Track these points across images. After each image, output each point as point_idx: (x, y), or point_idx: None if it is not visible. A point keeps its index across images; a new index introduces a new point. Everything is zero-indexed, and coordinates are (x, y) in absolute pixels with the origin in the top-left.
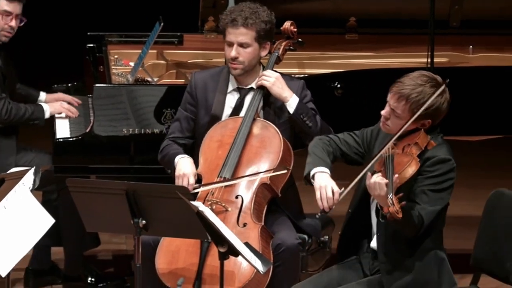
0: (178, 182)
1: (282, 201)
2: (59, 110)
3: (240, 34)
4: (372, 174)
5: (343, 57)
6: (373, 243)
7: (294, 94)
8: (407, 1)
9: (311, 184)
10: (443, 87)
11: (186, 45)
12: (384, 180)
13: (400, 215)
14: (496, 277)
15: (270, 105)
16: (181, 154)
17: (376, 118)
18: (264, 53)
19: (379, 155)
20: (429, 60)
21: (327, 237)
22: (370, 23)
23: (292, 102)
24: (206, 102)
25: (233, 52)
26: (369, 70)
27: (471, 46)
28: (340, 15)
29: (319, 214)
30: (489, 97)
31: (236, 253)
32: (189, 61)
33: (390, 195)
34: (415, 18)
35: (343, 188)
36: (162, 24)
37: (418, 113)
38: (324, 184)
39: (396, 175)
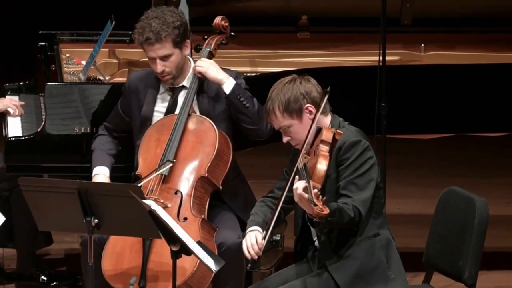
0: None
1: (227, 195)
2: (8, 106)
3: (157, 49)
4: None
5: (295, 56)
6: (316, 242)
7: (231, 77)
8: None
9: None
10: (290, 77)
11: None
12: (302, 186)
13: (325, 211)
14: (448, 275)
15: (204, 97)
16: (100, 166)
17: None
18: (187, 51)
19: (293, 172)
20: (381, 58)
21: (279, 235)
22: (322, 21)
23: (228, 84)
24: (138, 103)
25: (158, 67)
26: (321, 68)
27: (422, 44)
28: (291, 13)
29: (249, 266)
30: (441, 95)
31: (188, 251)
32: (140, 60)
33: (311, 198)
34: (367, 16)
35: (264, 232)
36: (113, 22)
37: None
38: (247, 236)
39: (311, 181)
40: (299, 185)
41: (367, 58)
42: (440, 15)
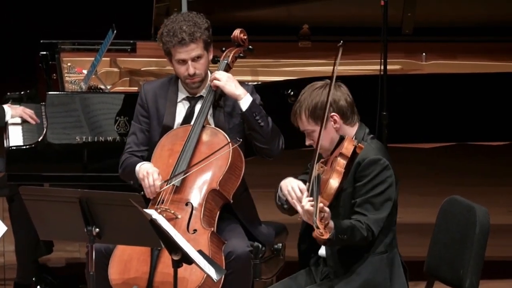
0: (145, 182)
1: (235, 207)
2: (20, 115)
3: (191, 50)
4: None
5: (297, 65)
6: (321, 251)
7: (248, 93)
8: (360, 8)
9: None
10: (322, 82)
11: (139, 52)
12: (309, 203)
13: (325, 236)
14: (449, 284)
15: (220, 111)
16: (141, 162)
17: None
18: (210, 56)
19: (310, 181)
20: (382, 68)
21: (280, 244)
22: (323, 30)
23: (245, 100)
24: (158, 112)
25: (191, 69)
26: (323, 77)
27: (424, 53)
28: (293, 23)
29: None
30: (442, 104)
31: (189, 261)
32: (142, 69)
33: (314, 219)
34: (368, 25)
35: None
36: (115, 31)
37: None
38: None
39: (320, 197)
40: (306, 202)
41: (368, 67)
42: (442, 24)
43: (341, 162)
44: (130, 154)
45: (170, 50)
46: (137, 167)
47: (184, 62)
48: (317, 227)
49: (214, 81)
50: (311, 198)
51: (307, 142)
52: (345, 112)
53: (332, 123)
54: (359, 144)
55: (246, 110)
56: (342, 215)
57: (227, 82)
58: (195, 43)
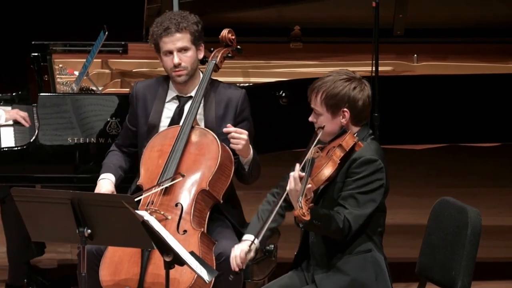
0: None
1: (226, 208)
2: (15, 118)
3: (177, 40)
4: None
5: (288, 66)
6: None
7: (251, 149)
8: (351, 9)
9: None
10: (351, 75)
11: (131, 54)
12: (298, 172)
13: (306, 217)
14: (441, 285)
15: (212, 114)
16: (106, 173)
17: None
18: (200, 55)
19: (302, 163)
20: (373, 69)
21: (272, 245)
22: (314, 31)
23: (248, 159)
24: (146, 111)
25: (175, 59)
26: (314, 78)
27: (415, 55)
28: (284, 24)
29: (231, 276)
30: (433, 105)
31: (181, 262)
32: (133, 70)
33: (300, 198)
34: (359, 26)
35: (251, 242)
36: (106, 33)
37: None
38: (236, 246)
39: (310, 180)
40: (296, 173)
41: (360, 68)
42: (433, 26)
43: (338, 153)
44: (117, 148)
45: (158, 43)
46: (100, 177)
47: (170, 53)
48: (300, 207)
49: (241, 141)
50: (302, 174)
51: (311, 119)
52: (357, 113)
53: (341, 117)
54: (359, 142)
55: (244, 163)
56: (326, 207)
57: (247, 143)
58: (181, 33)
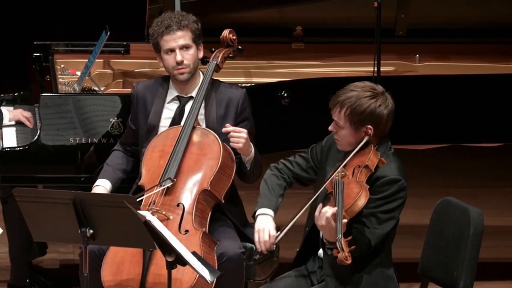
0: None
1: (227, 208)
2: (19, 118)
3: (178, 38)
4: (325, 197)
5: (290, 66)
6: (320, 253)
7: (253, 148)
8: (354, 9)
9: None
10: (375, 89)
11: (133, 54)
12: (331, 211)
13: (349, 261)
14: (443, 286)
15: (213, 114)
16: (102, 179)
17: (323, 127)
18: (200, 55)
19: (328, 181)
20: (375, 69)
21: (274, 246)
22: (316, 32)
23: (250, 158)
24: (145, 112)
25: (178, 56)
26: (316, 79)
27: (417, 55)
28: (286, 24)
29: (257, 256)
30: (436, 105)
31: (183, 262)
32: (135, 70)
33: (339, 237)
34: (361, 27)
35: (279, 232)
36: (108, 33)
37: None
38: (262, 227)
39: (344, 212)
40: (330, 213)
41: (361, 68)
42: (435, 26)
43: (364, 175)
44: (121, 146)
45: (158, 42)
46: (96, 183)
47: (172, 51)
48: (342, 250)
49: (241, 139)
50: (335, 209)
51: (331, 128)
52: (381, 129)
53: (363, 133)
54: (381, 158)
55: (246, 161)
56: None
57: (248, 141)
58: (182, 31)
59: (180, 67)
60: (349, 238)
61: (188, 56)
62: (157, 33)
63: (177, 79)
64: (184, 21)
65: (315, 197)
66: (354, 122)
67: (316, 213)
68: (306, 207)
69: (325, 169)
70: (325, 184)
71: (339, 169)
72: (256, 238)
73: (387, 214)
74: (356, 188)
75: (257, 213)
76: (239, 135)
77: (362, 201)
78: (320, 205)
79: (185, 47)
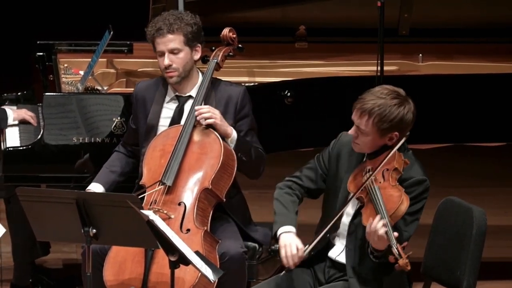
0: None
1: (229, 207)
2: (23, 117)
3: (168, 41)
4: (358, 204)
5: (293, 66)
6: (331, 253)
7: (234, 130)
8: (357, 9)
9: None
10: (403, 96)
11: (136, 53)
12: (381, 223)
13: (409, 267)
14: (446, 285)
15: None
16: (94, 183)
17: (326, 126)
18: (197, 56)
19: (359, 190)
20: (378, 69)
21: (277, 245)
22: (319, 31)
23: (233, 138)
24: (145, 112)
25: (166, 60)
26: (319, 78)
27: (420, 55)
28: (289, 24)
29: (284, 273)
30: (439, 105)
31: (186, 261)
32: (138, 70)
33: (394, 245)
34: (364, 26)
35: (307, 245)
36: (111, 32)
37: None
38: (288, 242)
39: (389, 219)
40: (379, 224)
41: (364, 68)
42: (438, 25)
43: (395, 177)
44: (122, 146)
45: (152, 41)
46: (89, 186)
47: (163, 54)
48: (400, 257)
49: (210, 119)
50: (384, 221)
51: (352, 133)
52: (404, 133)
53: (388, 138)
54: (405, 159)
55: (231, 143)
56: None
57: (222, 120)
58: (172, 34)
59: (168, 70)
60: (405, 243)
61: (178, 60)
62: (150, 34)
63: (168, 81)
64: (175, 24)
65: (344, 208)
66: (381, 130)
67: (367, 230)
68: (336, 218)
69: (338, 175)
70: (357, 193)
71: (371, 175)
72: (282, 254)
73: (413, 216)
74: (396, 192)
75: (279, 232)
76: (212, 111)
77: (405, 205)
78: (370, 219)
79: (174, 51)
